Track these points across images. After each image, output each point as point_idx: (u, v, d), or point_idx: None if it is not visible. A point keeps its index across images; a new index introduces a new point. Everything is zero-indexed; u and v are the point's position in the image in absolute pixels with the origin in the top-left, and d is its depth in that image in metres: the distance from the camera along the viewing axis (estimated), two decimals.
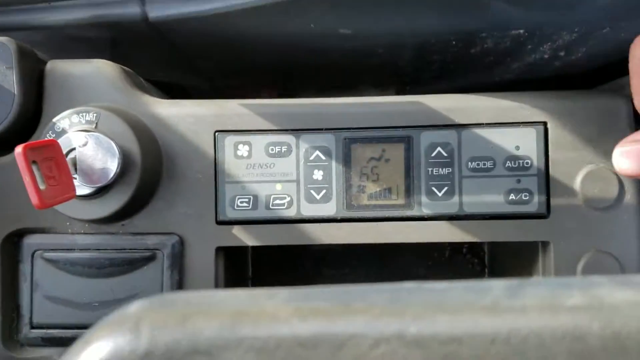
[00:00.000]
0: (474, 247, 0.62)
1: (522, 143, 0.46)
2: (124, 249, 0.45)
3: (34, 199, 0.36)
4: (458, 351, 0.15)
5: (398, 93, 0.65)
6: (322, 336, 0.15)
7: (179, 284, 0.45)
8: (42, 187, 0.37)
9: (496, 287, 0.17)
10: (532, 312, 0.15)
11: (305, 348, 0.15)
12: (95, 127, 0.43)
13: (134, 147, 0.43)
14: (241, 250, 0.59)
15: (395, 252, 0.59)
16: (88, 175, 0.41)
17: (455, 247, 0.58)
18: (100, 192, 0.42)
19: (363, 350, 0.15)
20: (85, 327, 0.44)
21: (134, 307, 0.17)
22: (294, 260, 0.63)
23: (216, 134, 0.46)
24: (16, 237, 0.45)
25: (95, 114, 0.43)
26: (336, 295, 0.17)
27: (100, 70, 0.46)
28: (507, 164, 0.45)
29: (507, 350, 0.15)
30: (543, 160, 0.45)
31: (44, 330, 0.45)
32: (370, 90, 0.66)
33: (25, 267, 0.45)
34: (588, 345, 0.15)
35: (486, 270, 0.63)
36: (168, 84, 0.61)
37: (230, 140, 0.46)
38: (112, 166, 0.42)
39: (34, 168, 0.37)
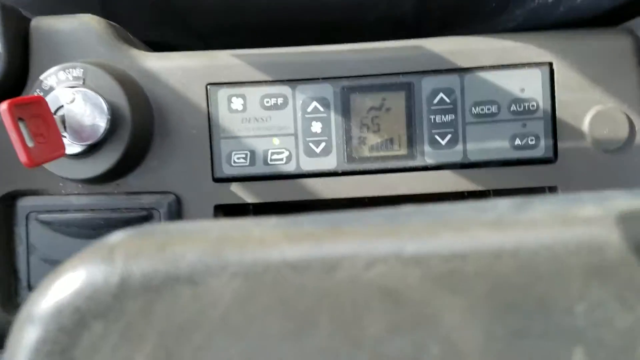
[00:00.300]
0: (478, 197, 0.60)
1: (527, 85, 0.44)
2: (119, 209, 0.43)
3: (22, 156, 0.35)
4: (461, 268, 0.14)
5: None
6: (313, 259, 0.14)
7: None
8: (30, 144, 0.36)
9: (501, 204, 0.15)
10: (542, 225, 0.14)
11: (296, 271, 0.14)
12: (83, 83, 0.41)
13: (123, 103, 0.41)
14: (242, 209, 0.58)
15: (397, 203, 0.58)
16: (77, 132, 0.40)
17: (459, 198, 0.56)
18: (91, 150, 0.41)
19: (357, 272, 0.14)
20: None
21: (110, 238, 0.15)
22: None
23: (208, 87, 0.44)
24: (10, 200, 0.44)
25: (82, 70, 0.41)
26: (327, 220, 0.15)
27: (86, 25, 0.44)
28: (512, 108, 0.44)
29: (515, 266, 0.13)
30: (549, 102, 0.43)
31: None
32: None
33: (20, 230, 0.44)
34: (606, 258, 0.14)
35: None
36: (160, 45, 0.59)
37: (223, 93, 0.44)
38: (102, 122, 0.40)
39: (21, 125, 0.36)
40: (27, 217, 0.44)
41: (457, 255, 0.14)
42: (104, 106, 0.40)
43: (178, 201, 0.44)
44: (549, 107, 0.43)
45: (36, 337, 0.14)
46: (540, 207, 0.15)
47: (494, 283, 0.13)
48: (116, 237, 0.15)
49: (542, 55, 0.44)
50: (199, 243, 0.14)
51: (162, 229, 0.15)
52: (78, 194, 0.44)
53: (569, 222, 0.14)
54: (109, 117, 0.40)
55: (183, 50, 0.63)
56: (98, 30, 0.44)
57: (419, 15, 0.54)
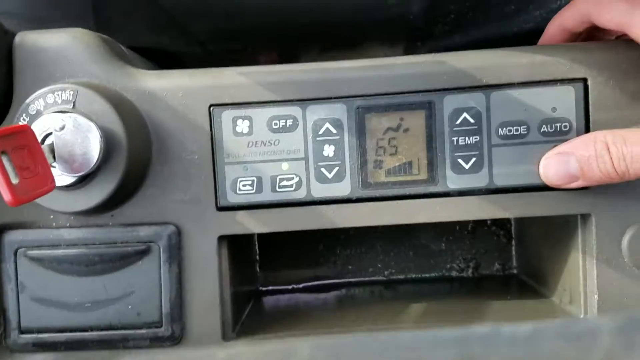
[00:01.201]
0: (499, 219, 0.59)
1: (559, 104, 0.42)
2: (115, 243, 0.42)
3: (5, 195, 0.33)
4: None
5: (407, 50, 0.61)
6: None
7: (179, 279, 0.42)
8: (14, 181, 0.34)
9: None
10: None
11: None
12: (73, 106, 0.39)
13: (118, 128, 0.39)
14: (248, 239, 0.56)
15: (414, 226, 0.56)
16: (68, 162, 0.38)
17: (479, 219, 0.54)
18: (84, 180, 0.39)
19: None
20: (78, 329, 0.42)
21: None
22: (305, 240, 0.60)
23: (211, 108, 0.42)
24: None
25: (72, 92, 0.39)
26: None
27: (76, 41, 0.42)
28: (542, 129, 0.42)
29: None
30: (583, 122, 0.42)
31: (35, 335, 0.42)
32: (377, 49, 0.62)
33: (8, 267, 0.42)
34: None
35: (513, 242, 0.59)
36: (156, 52, 0.57)
37: (227, 115, 0.42)
38: (94, 151, 0.38)
39: (4, 159, 0.34)
40: (15, 253, 0.42)
41: None
42: (97, 133, 0.38)
43: (178, 232, 0.42)
44: (582, 128, 0.42)
45: None
46: None
47: None
48: None
49: (575, 70, 0.42)
50: None
51: None
52: (70, 227, 0.42)
53: None
54: (103, 145, 0.38)
55: (180, 56, 0.61)
56: (90, 47, 0.42)
57: (432, 15, 0.52)
